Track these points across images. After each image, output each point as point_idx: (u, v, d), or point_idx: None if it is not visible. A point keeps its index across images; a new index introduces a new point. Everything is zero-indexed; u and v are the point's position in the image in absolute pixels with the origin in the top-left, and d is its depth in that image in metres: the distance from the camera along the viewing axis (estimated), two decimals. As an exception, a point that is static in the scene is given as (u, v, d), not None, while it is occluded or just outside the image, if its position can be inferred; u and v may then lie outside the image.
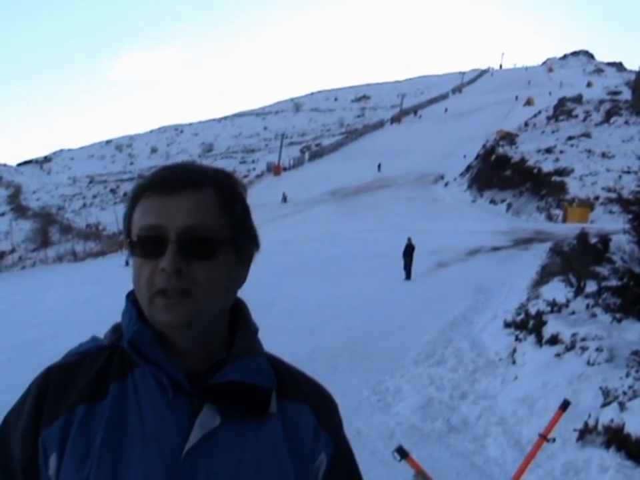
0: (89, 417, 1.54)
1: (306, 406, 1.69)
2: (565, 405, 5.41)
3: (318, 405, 1.72)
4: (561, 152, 58.55)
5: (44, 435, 1.53)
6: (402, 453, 5.16)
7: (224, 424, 1.55)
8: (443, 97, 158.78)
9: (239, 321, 1.70)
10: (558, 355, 11.74)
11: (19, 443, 1.55)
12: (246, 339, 1.67)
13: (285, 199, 67.51)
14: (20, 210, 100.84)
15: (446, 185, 68.37)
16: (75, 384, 1.58)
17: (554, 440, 5.58)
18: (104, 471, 1.48)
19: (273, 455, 1.59)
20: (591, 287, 15.24)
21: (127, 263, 35.33)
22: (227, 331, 1.68)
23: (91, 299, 24.01)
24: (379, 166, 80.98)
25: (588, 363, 10.71)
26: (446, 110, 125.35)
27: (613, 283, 14.74)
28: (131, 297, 1.67)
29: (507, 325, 15.51)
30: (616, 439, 8.18)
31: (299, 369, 1.81)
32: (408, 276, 25.38)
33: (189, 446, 1.51)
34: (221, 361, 1.62)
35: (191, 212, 1.55)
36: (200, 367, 1.60)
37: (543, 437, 5.48)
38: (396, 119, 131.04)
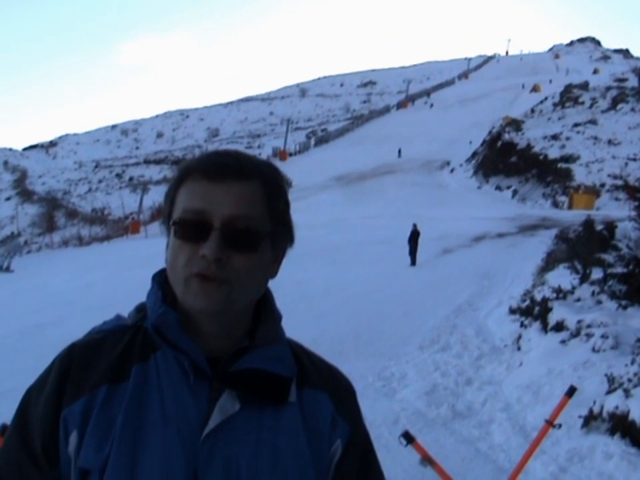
0: (111, 397, 1.56)
1: (325, 394, 1.71)
2: (571, 391, 5.42)
3: (336, 392, 1.74)
4: (567, 139, 58.40)
5: (65, 412, 1.54)
6: (408, 438, 5.19)
7: (243, 410, 1.57)
8: (449, 83, 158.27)
9: (264, 308, 1.71)
10: (563, 341, 11.74)
11: (40, 419, 1.56)
12: (269, 326, 1.69)
13: (289, 185, 67.44)
14: (26, 194, 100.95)
15: (452, 171, 68.23)
16: (97, 363, 1.60)
17: (560, 426, 5.59)
18: (123, 452, 1.50)
19: (291, 443, 1.60)
20: (597, 273, 15.22)
21: (3, 269, 32.25)
22: (251, 318, 1.69)
23: (96, 283, 24.07)
24: (399, 151, 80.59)
25: (593, 349, 10.72)
26: (431, 105, 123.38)
27: (619, 269, 14.72)
28: (157, 279, 1.69)
29: (512, 311, 15.52)
30: (621, 425, 8.19)
31: (319, 356, 1.83)
32: (413, 262, 25.40)
33: (207, 430, 1.53)
34: (243, 348, 1.63)
35: (237, 202, 1.56)
36: (222, 353, 1.62)
37: (549, 423, 5.50)
38: (402, 105, 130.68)
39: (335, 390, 1.74)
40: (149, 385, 1.57)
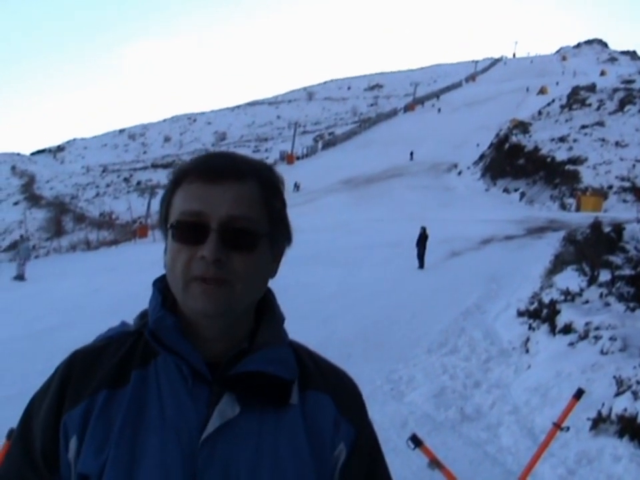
0: (110, 402, 1.56)
1: (327, 396, 1.69)
2: (578, 394, 5.42)
3: (340, 394, 1.72)
4: (575, 141, 58.26)
5: (65, 418, 1.55)
6: (416, 441, 5.19)
7: (243, 413, 1.56)
8: (456, 85, 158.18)
9: (265, 310, 1.71)
10: (571, 344, 11.72)
11: (41, 426, 1.58)
12: (270, 328, 1.68)
13: (297, 188, 67.40)
14: (34, 199, 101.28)
15: (459, 173, 68.10)
16: (98, 369, 1.61)
17: (568, 429, 5.59)
18: (121, 457, 1.50)
19: (292, 446, 1.59)
20: (605, 276, 15.19)
21: (17, 278, 30.97)
22: (252, 320, 1.69)
23: (104, 287, 24.07)
24: (412, 154, 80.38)
25: (601, 352, 10.69)
26: (439, 110, 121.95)
27: (627, 272, 14.70)
28: (158, 284, 1.69)
29: (520, 313, 15.48)
30: (629, 428, 8.17)
31: (323, 357, 1.82)
32: (421, 265, 25.34)
33: (206, 434, 1.52)
34: (243, 351, 1.63)
35: (235, 203, 1.56)
36: (222, 356, 1.61)
37: (557, 426, 5.50)
38: (410, 108, 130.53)
39: (339, 392, 1.72)
40: (149, 390, 1.57)
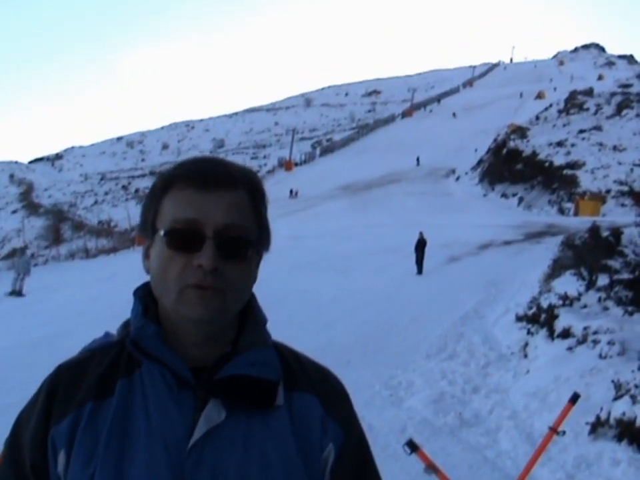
0: (97, 413, 1.56)
1: (314, 397, 1.68)
2: (574, 398, 5.44)
3: (326, 395, 1.71)
4: (572, 145, 58.25)
5: (53, 432, 1.55)
6: (412, 447, 5.19)
7: (229, 418, 1.56)
8: (454, 91, 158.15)
9: (247, 314, 1.70)
10: (570, 348, 11.73)
11: (30, 441, 1.58)
12: (253, 331, 1.68)
13: (294, 194, 67.17)
14: (32, 207, 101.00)
15: (457, 179, 68.00)
16: (84, 381, 1.60)
17: (564, 433, 5.61)
18: (109, 467, 1.50)
19: (280, 448, 1.59)
20: (603, 280, 15.20)
21: (13, 293, 29.36)
22: (236, 324, 1.68)
23: (103, 295, 24.04)
24: (418, 159, 79.98)
25: (600, 356, 10.71)
26: (454, 114, 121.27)
27: (625, 276, 14.72)
28: (139, 293, 1.69)
29: (519, 318, 15.49)
30: (628, 432, 8.19)
31: (309, 358, 1.81)
32: (419, 270, 25.35)
33: (193, 441, 1.52)
34: (226, 355, 1.62)
35: (229, 211, 1.56)
36: (206, 361, 1.61)
37: (553, 430, 5.51)
38: (407, 113, 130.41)
39: (325, 393, 1.71)
40: (134, 399, 1.57)
